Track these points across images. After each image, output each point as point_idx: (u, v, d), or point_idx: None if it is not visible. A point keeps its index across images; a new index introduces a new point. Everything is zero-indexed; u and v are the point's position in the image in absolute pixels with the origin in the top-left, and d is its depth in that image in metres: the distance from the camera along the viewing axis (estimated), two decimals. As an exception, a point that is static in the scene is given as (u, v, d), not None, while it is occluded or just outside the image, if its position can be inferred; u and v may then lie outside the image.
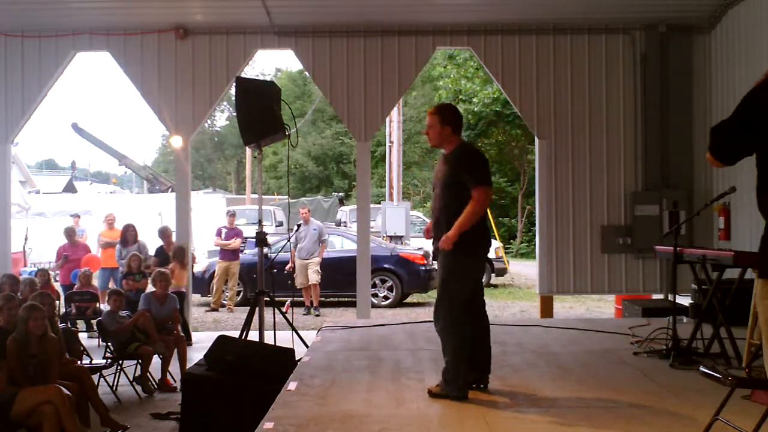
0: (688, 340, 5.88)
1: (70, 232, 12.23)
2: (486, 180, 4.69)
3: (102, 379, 7.28)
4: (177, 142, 10.17)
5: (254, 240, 7.95)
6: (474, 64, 25.12)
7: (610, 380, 5.24)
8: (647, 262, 9.94)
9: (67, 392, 5.45)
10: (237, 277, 13.73)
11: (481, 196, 4.57)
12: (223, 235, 13.65)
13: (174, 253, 10.10)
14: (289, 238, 13.06)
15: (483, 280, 5.11)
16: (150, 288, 8.98)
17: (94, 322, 9.89)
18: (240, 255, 13.93)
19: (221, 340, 6.06)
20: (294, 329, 7.17)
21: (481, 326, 4.88)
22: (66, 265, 11.80)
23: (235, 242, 13.59)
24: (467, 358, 4.65)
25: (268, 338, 6.86)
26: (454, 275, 4.65)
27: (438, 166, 4.96)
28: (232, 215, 14.44)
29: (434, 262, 4.86)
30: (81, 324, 10.44)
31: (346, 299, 14.04)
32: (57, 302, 9.62)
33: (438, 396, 4.64)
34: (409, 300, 14.76)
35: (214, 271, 13.92)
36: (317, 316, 12.98)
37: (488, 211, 4.37)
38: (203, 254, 16.39)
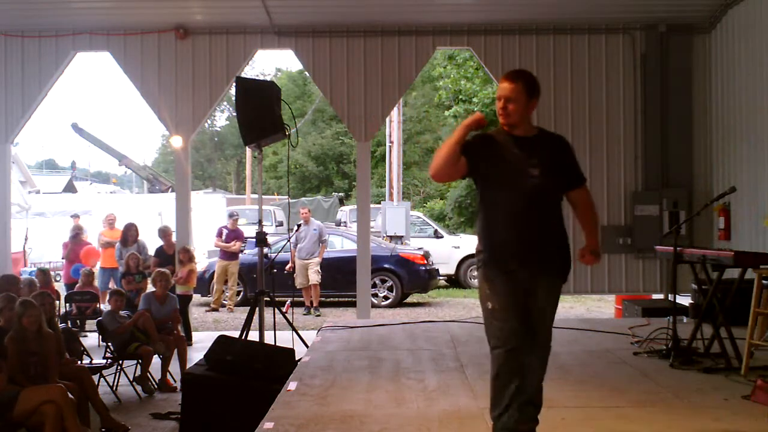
0: (688, 340, 5.88)
1: (77, 230, 12.25)
2: None
3: (102, 379, 7.28)
4: (177, 142, 10.17)
5: (254, 240, 7.95)
6: (474, 64, 25.08)
7: (610, 380, 5.24)
8: (647, 262, 9.94)
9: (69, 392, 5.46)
10: (236, 276, 13.72)
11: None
12: (223, 236, 13.63)
13: (187, 256, 10.07)
14: (289, 238, 13.06)
15: None
16: (150, 288, 8.99)
17: (92, 322, 9.89)
18: (239, 255, 13.92)
19: (221, 340, 6.06)
20: (294, 329, 7.17)
21: None
22: (69, 262, 11.82)
23: (235, 245, 13.56)
24: None
25: (268, 338, 6.86)
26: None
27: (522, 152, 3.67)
28: (235, 219, 14.38)
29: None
30: (89, 324, 10.43)
31: (346, 299, 14.03)
32: (57, 302, 9.63)
33: None
34: (409, 300, 14.75)
35: (213, 271, 13.91)
36: (317, 316, 12.97)
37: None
38: (203, 254, 16.38)
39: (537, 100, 3.70)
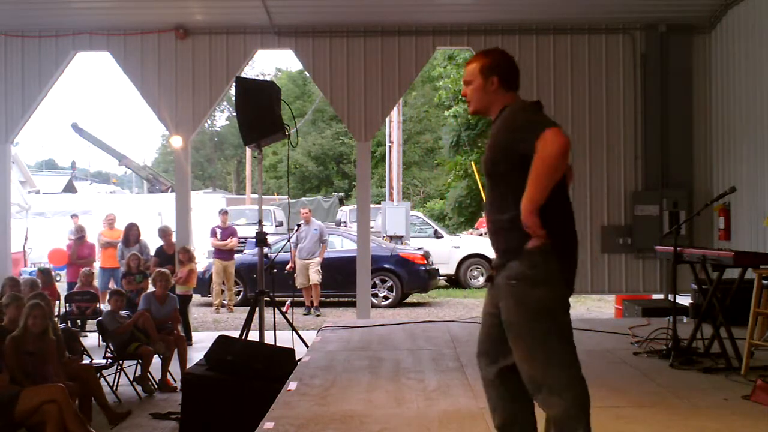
0: (688, 340, 5.88)
1: (81, 232, 12.27)
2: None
3: (102, 379, 7.28)
4: (177, 142, 10.17)
5: (254, 240, 7.94)
6: (474, 64, 25.08)
7: (610, 380, 5.24)
8: (647, 262, 9.94)
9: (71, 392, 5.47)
10: (233, 276, 13.71)
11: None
12: (218, 236, 13.63)
13: (187, 256, 10.08)
14: (289, 238, 13.06)
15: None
16: (150, 288, 8.99)
17: (92, 322, 9.89)
18: (236, 254, 13.91)
19: (221, 340, 6.06)
20: (294, 329, 7.16)
21: None
22: (75, 264, 11.81)
23: (231, 242, 13.57)
24: None
25: (268, 338, 6.86)
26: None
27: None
28: (224, 213, 14.40)
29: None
30: (89, 324, 10.43)
31: (346, 299, 14.04)
32: (57, 302, 9.63)
33: None
34: (409, 300, 14.76)
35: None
36: (317, 316, 12.98)
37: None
38: (203, 254, 16.38)
39: (498, 78, 3.19)
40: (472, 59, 3.33)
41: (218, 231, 13.67)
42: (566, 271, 3.07)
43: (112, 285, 12.56)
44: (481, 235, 18.76)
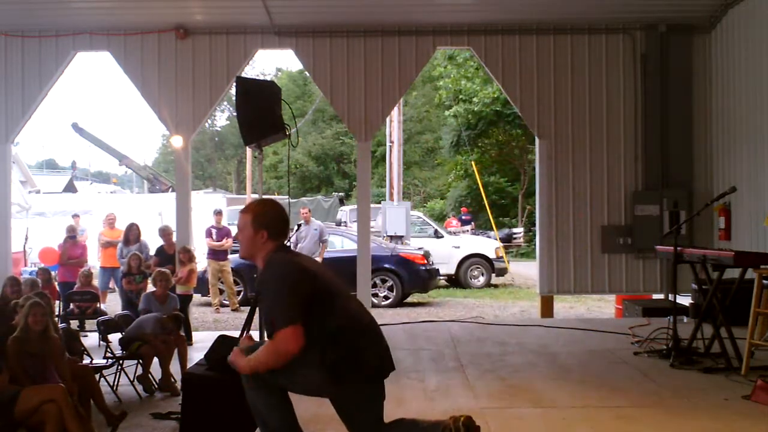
0: (688, 340, 5.88)
1: (72, 232, 12.25)
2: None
3: (102, 379, 7.27)
4: (177, 142, 10.17)
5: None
6: (474, 64, 25.12)
7: (610, 380, 5.24)
8: (647, 262, 9.94)
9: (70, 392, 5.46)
10: (231, 275, 13.70)
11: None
12: (214, 236, 13.62)
13: (188, 256, 10.07)
14: (289, 238, 13.04)
15: None
16: (150, 288, 8.98)
17: (92, 322, 9.88)
18: (232, 254, 13.88)
19: (221, 340, 6.05)
20: (294, 329, 7.14)
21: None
22: (66, 264, 11.80)
23: (227, 242, 13.57)
24: None
25: (269, 338, 6.85)
26: None
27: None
28: (219, 213, 14.38)
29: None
30: (89, 324, 10.42)
31: (347, 299, 14.01)
32: (57, 302, 9.63)
33: None
34: (409, 300, 14.75)
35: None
36: (317, 315, 12.95)
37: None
38: (203, 254, 16.38)
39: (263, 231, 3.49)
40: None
41: (213, 231, 13.66)
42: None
43: (112, 285, 12.59)
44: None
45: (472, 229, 23.10)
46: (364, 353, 3.28)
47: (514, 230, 25.47)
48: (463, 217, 25.52)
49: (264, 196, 6.27)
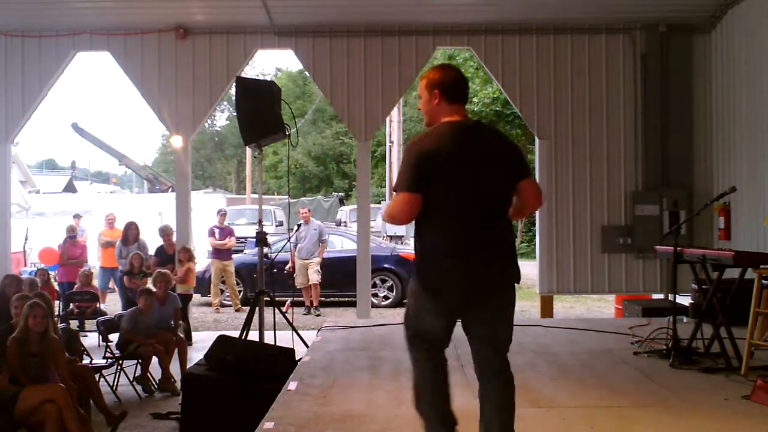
0: (688, 340, 5.88)
1: (72, 232, 12.25)
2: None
3: (102, 379, 7.28)
4: (177, 142, 10.17)
5: (254, 240, 7.95)
6: (474, 64, 25.10)
7: (610, 380, 5.24)
8: (647, 262, 9.94)
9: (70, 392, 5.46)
10: (233, 275, 13.71)
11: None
12: (216, 235, 13.63)
13: (187, 256, 10.07)
14: (289, 238, 13.06)
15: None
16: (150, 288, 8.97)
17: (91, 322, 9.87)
18: (236, 254, 13.90)
19: (221, 340, 6.06)
20: (294, 329, 7.16)
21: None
22: (66, 264, 11.80)
23: (230, 241, 13.59)
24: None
25: (268, 338, 6.86)
26: None
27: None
28: (223, 214, 14.42)
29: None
30: (89, 324, 10.42)
31: (346, 299, 14.03)
32: (57, 302, 9.63)
33: None
34: (409, 300, 14.75)
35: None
36: (317, 316, 12.97)
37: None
38: (203, 254, 16.39)
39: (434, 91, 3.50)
40: None
41: (216, 231, 13.67)
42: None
43: (112, 284, 12.59)
44: None
45: None
46: None
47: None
48: None
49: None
